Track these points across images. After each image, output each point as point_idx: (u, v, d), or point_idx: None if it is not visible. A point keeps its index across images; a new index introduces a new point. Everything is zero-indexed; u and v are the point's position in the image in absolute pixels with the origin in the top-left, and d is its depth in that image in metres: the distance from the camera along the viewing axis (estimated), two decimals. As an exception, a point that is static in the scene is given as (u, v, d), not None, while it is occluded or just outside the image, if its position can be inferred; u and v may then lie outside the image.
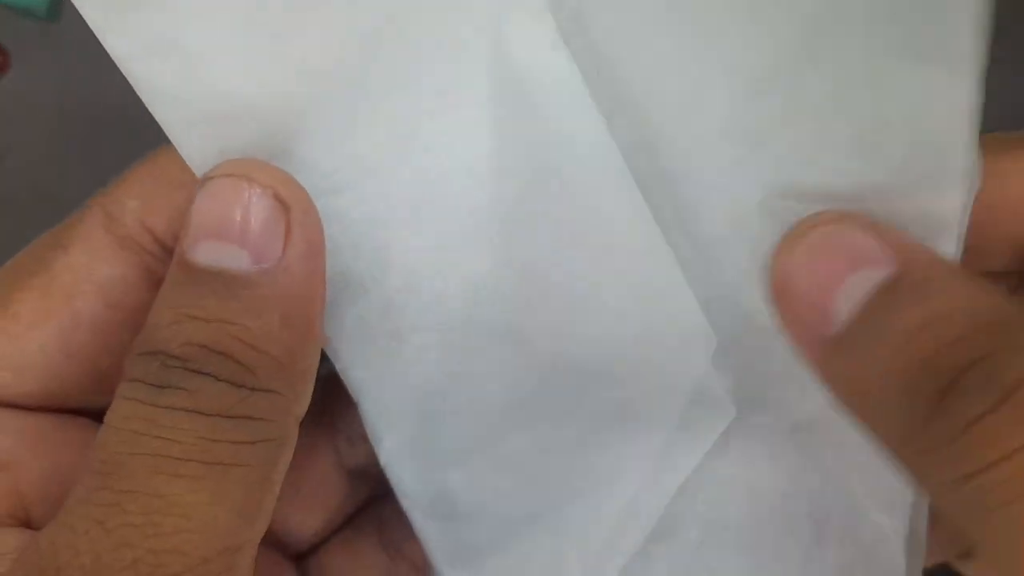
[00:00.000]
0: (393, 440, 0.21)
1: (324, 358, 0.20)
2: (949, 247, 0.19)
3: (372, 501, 0.24)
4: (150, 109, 0.18)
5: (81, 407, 0.20)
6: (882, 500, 0.21)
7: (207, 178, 0.18)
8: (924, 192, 0.19)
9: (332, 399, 0.22)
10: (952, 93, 0.18)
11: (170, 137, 0.18)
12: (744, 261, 0.20)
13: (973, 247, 0.20)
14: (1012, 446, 0.16)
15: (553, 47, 0.19)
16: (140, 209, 0.19)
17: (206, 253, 0.17)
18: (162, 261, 0.20)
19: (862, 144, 0.19)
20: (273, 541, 0.20)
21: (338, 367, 0.21)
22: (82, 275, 0.19)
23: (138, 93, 0.18)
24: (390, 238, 0.20)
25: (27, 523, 0.19)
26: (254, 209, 0.18)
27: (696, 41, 0.19)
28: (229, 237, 0.17)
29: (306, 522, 0.24)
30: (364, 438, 0.21)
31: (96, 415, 0.20)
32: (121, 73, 0.18)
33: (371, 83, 0.19)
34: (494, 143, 0.19)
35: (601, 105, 0.19)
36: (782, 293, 0.19)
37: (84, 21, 0.18)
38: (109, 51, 0.18)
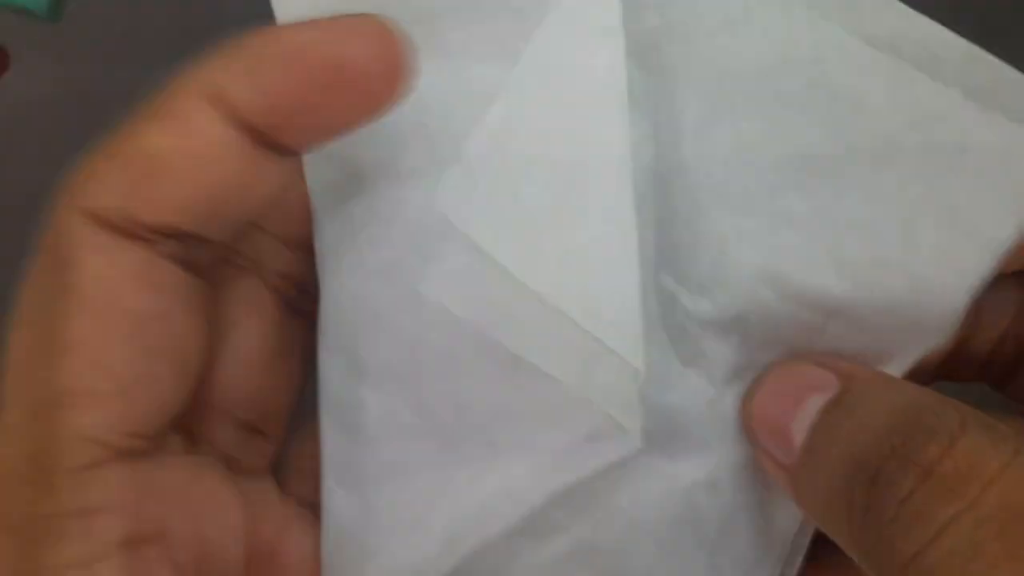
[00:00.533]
0: (328, 344, 0.21)
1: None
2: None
3: None
4: None
5: (181, 410, 0.19)
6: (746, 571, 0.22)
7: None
8: (901, 333, 0.20)
9: None
10: (974, 268, 0.19)
11: None
12: (705, 316, 0.21)
13: None
14: (939, 523, 0.16)
15: (607, 35, 0.19)
16: (122, 201, 0.18)
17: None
18: (156, 242, 0.18)
19: (864, 272, 0.20)
20: None
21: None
22: (106, 275, 0.18)
23: None
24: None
25: None
26: None
27: (759, 113, 0.20)
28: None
29: None
30: None
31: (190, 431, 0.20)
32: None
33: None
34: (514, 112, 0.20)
35: (636, 123, 0.20)
36: (753, 436, 0.21)
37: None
38: None
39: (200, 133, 0.18)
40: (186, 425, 0.20)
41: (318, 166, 0.21)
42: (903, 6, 0.19)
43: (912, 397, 0.18)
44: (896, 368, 0.21)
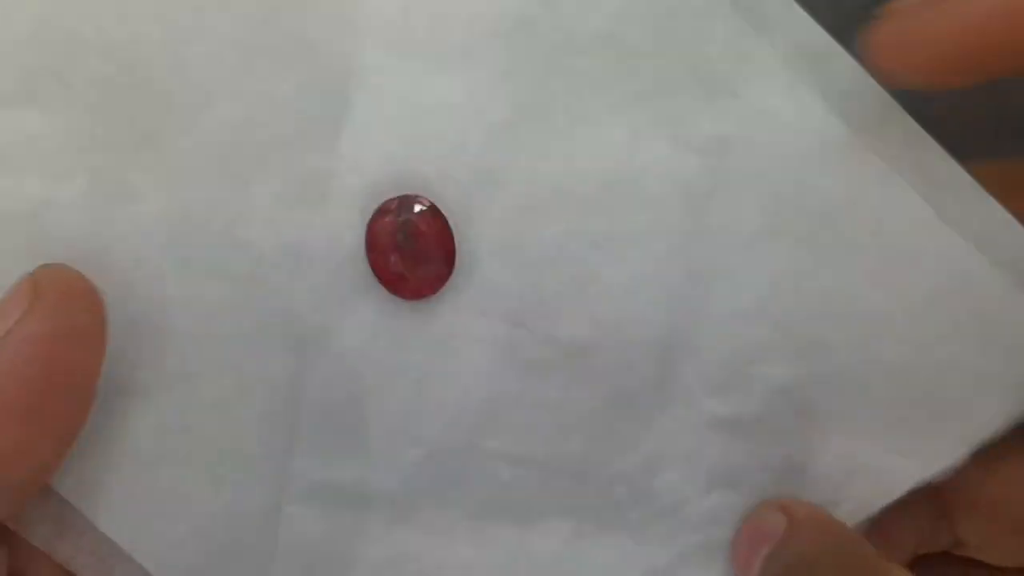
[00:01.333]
0: None
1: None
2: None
3: None
4: None
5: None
6: None
7: None
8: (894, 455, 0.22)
9: None
10: (978, 426, 0.21)
11: None
12: (714, 415, 0.22)
13: None
14: None
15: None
16: None
17: None
18: None
19: (882, 413, 0.21)
20: None
21: None
22: None
23: None
24: None
25: None
26: None
27: (815, 244, 0.21)
28: None
29: None
30: None
31: None
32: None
33: None
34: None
35: (688, 215, 0.21)
36: None
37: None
38: None
39: None
40: None
41: None
42: (972, 182, 0.21)
43: (820, 555, 0.20)
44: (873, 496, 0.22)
